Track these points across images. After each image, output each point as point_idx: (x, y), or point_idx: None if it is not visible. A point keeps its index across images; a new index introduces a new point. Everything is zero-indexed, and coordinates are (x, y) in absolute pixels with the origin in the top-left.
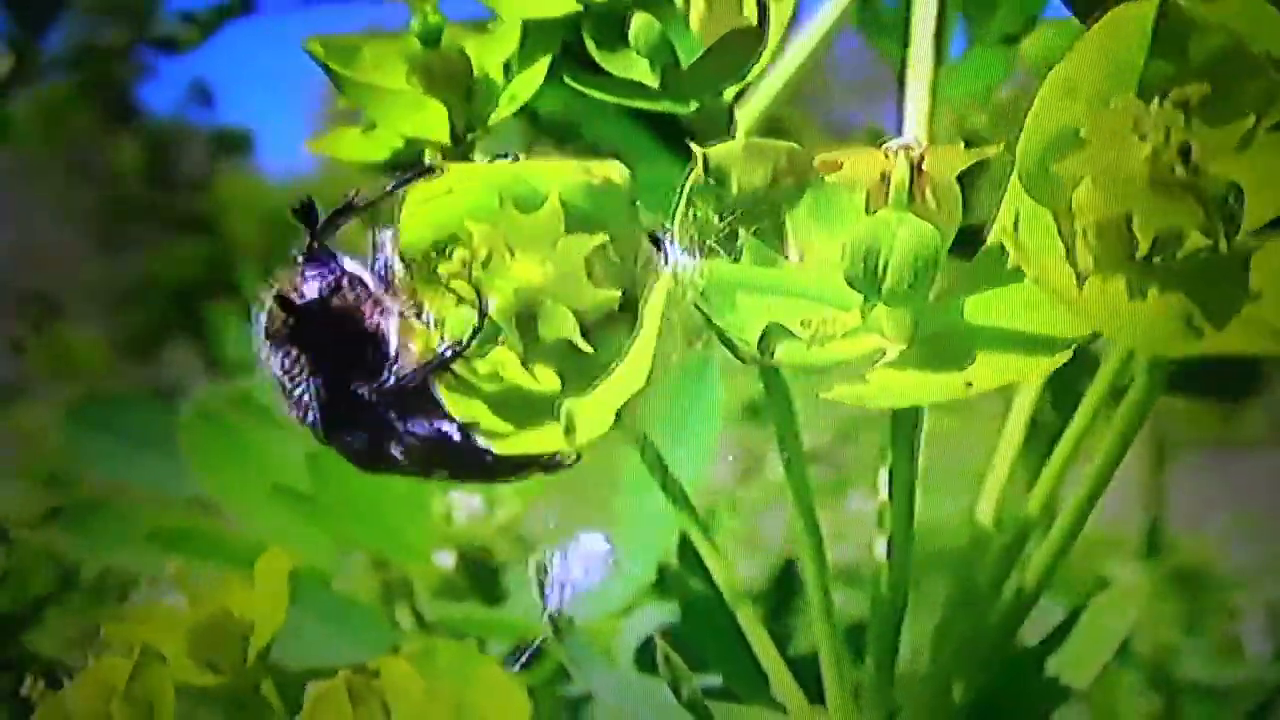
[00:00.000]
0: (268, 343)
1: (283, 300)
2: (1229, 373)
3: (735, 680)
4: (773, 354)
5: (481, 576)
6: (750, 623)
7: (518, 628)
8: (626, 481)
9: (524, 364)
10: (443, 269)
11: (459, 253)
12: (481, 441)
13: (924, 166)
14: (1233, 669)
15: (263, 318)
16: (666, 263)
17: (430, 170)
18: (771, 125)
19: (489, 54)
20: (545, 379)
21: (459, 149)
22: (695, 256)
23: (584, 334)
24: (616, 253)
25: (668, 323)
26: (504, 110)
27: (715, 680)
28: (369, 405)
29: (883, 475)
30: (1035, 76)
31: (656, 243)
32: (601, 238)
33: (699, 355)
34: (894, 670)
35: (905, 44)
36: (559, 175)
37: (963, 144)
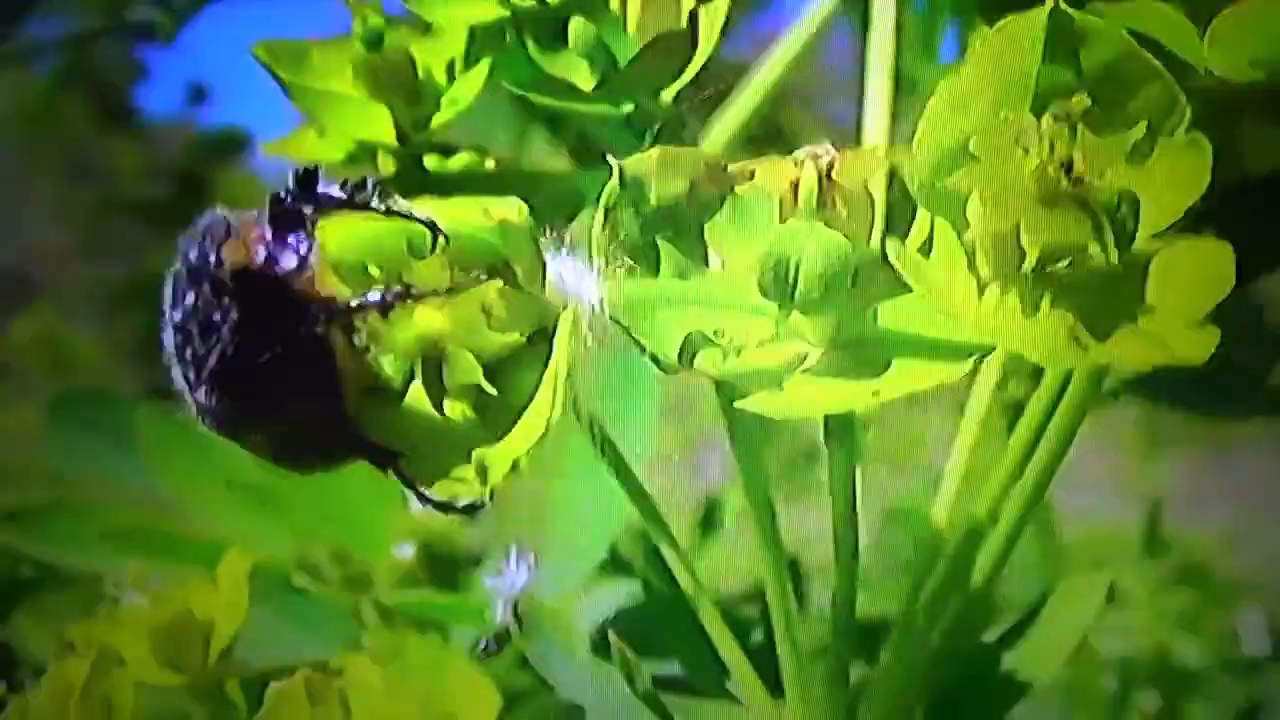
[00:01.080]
0: (195, 284)
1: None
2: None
3: (694, 670)
4: (692, 363)
5: (441, 568)
6: (710, 615)
7: (478, 613)
8: (575, 466)
9: (435, 406)
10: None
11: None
12: (406, 477)
13: (834, 174)
14: (1232, 668)
15: (201, 254)
16: (571, 292)
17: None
18: (770, 125)
19: (433, 56)
20: (460, 415)
21: (406, 150)
22: (607, 274)
23: (495, 372)
24: (524, 286)
25: (584, 344)
26: (444, 114)
27: (674, 668)
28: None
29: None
30: None
31: (563, 272)
32: (496, 285)
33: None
34: (848, 665)
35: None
36: (457, 217)
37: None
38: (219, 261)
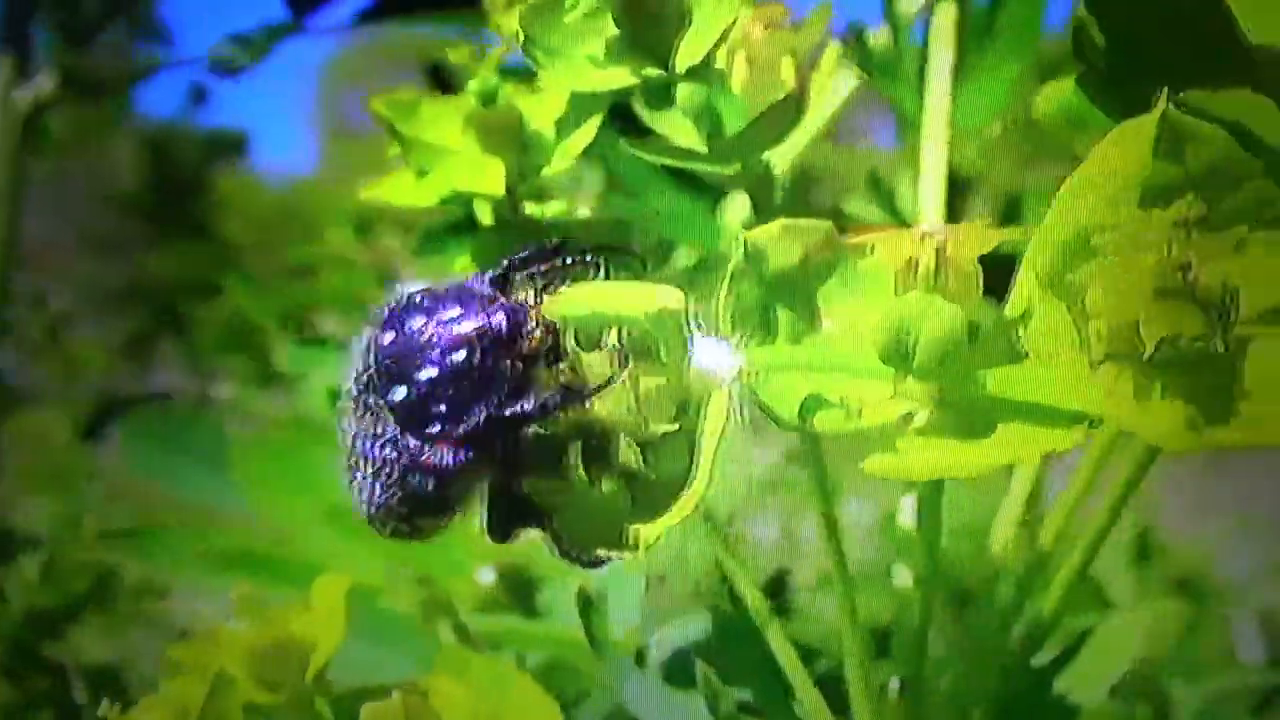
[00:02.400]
0: (492, 348)
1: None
2: None
3: (763, 696)
4: (811, 423)
5: (520, 592)
6: (778, 640)
7: (556, 641)
8: None
9: (593, 483)
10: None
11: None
12: (558, 536)
13: (948, 251)
14: (1226, 675)
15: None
16: (710, 369)
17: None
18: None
19: (541, 112)
20: (611, 489)
21: (510, 200)
22: (738, 345)
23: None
24: (670, 366)
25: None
26: (556, 166)
27: (745, 695)
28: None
29: (907, 502)
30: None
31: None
32: (658, 380)
33: None
34: (919, 689)
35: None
36: (621, 303)
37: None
38: (521, 336)
